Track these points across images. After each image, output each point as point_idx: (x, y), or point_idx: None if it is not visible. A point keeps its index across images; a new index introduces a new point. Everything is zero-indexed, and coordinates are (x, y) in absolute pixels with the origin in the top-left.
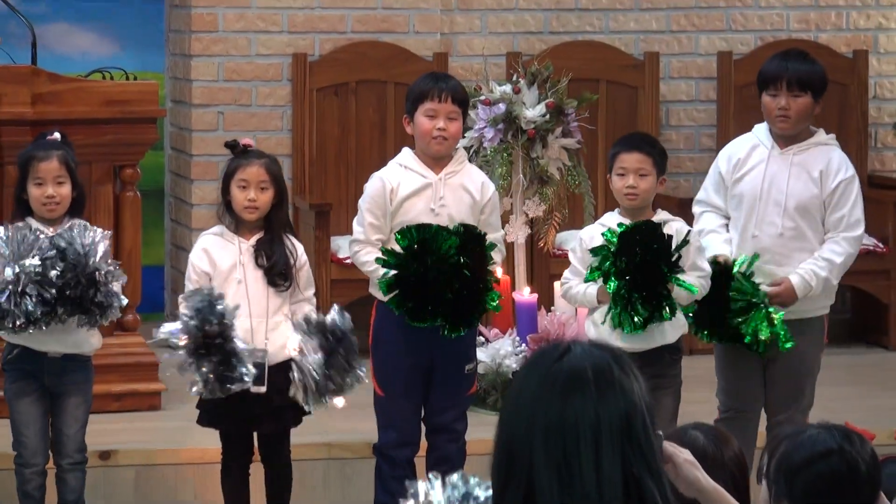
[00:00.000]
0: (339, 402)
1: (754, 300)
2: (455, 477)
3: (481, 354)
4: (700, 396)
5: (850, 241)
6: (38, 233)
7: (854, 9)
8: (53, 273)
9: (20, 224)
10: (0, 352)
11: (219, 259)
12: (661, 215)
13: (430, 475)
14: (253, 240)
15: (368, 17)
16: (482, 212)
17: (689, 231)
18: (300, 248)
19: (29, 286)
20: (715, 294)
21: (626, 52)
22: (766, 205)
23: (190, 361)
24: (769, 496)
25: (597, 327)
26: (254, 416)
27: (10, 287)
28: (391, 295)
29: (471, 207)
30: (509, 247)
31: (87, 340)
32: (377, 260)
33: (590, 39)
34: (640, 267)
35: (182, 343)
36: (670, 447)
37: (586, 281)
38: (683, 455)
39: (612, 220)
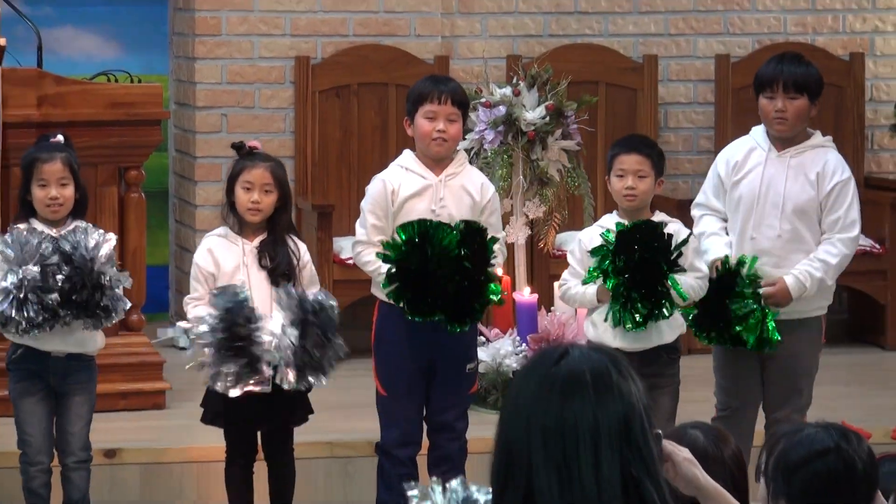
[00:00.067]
0: (321, 381)
1: (755, 307)
2: (455, 483)
3: (482, 354)
4: (698, 396)
5: (845, 242)
6: (42, 236)
7: (850, 12)
8: (59, 277)
9: (25, 227)
10: (4, 351)
11: (223, 260)
12: (658, 217)
13: (432, 479)
14: (256, 241)
15: (370, 21)
16: (482, 213)
17: (689, 233)
18: (303, 247)
19: (31, 293)
20: (716, 301)
21: (624, 55)
22: (763, 207)
23: (215, 361)
24: (767, 494)
25: (595, 328)
26: (258, 414)
27: (14, 292)
28: (391, 287)
29: (471, 208)
30: (510, 247)
31: (91, 340)
32: (378, 255)
33: (589, 42)
34: (640, 265)
35: (206, 342)
36: (669, 446)
37: (585, 283)
38: (682, 454)
39: (611, 221)
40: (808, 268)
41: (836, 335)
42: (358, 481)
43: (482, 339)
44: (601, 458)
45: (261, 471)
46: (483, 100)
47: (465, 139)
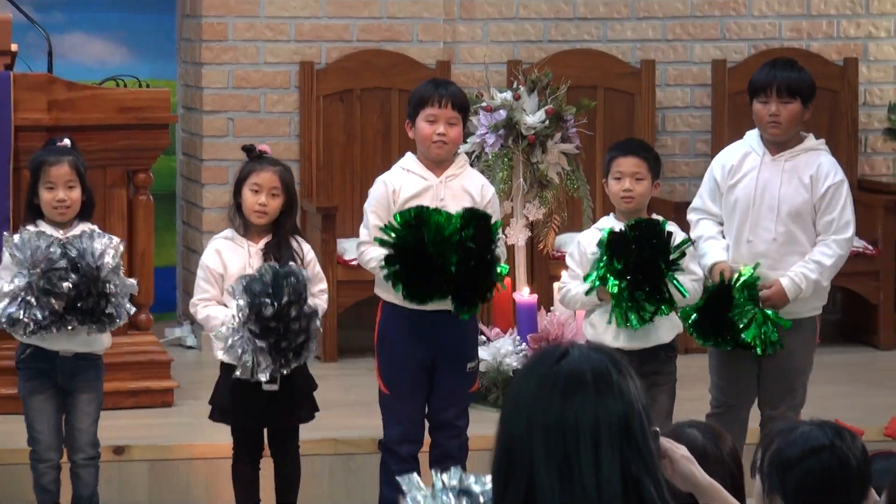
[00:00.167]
0: (301, 358)
1: (755, 311)
2: (452, 473)
3: (483, 353)
4: (695, 394)
5: (839, 244)
6: (50, 240)
7: (845, 18)
8: (66, 285)
9: (33, 229)
10: (14, 351)
11: (229, 262)
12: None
13: (432, 472)
14: (261, 243)
15: (373, 27)
16: None
17: (686, 237)
18: (306, 246)
19: (38, 296)
20: (716, 309)
21: (623, 60)
22: (759, 210)
23: (247, 348)
24: (762, 491)
25: (594, 328)
26: (265, 412)
27: (22, 295)
28: (390, 269)
29: None
30: (510, 249)
31: (98, 340)
32: (376, 239)
33: (588, 48)
34: (640, 265)
35: (234, 326)
36: (667, 443)
37: (587, 294)
38: (680, 451)
39: (609, 223)
40: (804, 269)
41: (829, 335)
42: (361, 478)
43: (483, 338)
44: (601, 457)
45: (267, 468)
46: (484, 104)
47: (466, 142)
